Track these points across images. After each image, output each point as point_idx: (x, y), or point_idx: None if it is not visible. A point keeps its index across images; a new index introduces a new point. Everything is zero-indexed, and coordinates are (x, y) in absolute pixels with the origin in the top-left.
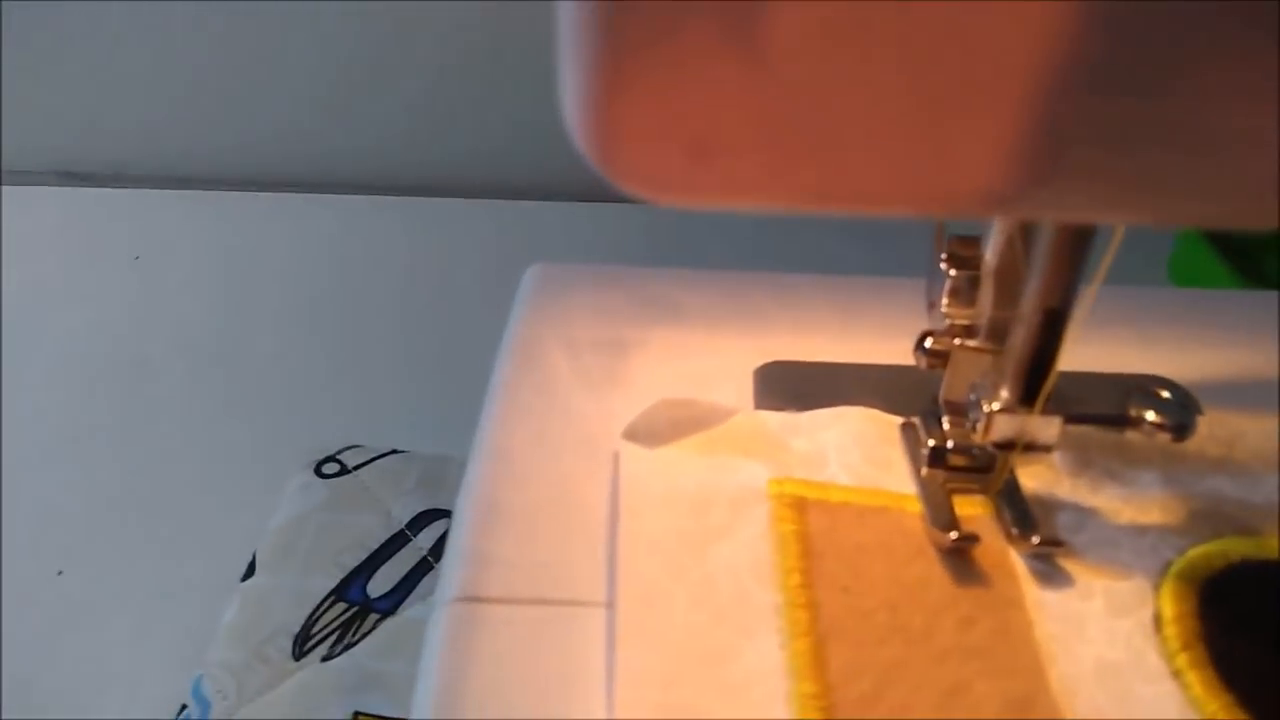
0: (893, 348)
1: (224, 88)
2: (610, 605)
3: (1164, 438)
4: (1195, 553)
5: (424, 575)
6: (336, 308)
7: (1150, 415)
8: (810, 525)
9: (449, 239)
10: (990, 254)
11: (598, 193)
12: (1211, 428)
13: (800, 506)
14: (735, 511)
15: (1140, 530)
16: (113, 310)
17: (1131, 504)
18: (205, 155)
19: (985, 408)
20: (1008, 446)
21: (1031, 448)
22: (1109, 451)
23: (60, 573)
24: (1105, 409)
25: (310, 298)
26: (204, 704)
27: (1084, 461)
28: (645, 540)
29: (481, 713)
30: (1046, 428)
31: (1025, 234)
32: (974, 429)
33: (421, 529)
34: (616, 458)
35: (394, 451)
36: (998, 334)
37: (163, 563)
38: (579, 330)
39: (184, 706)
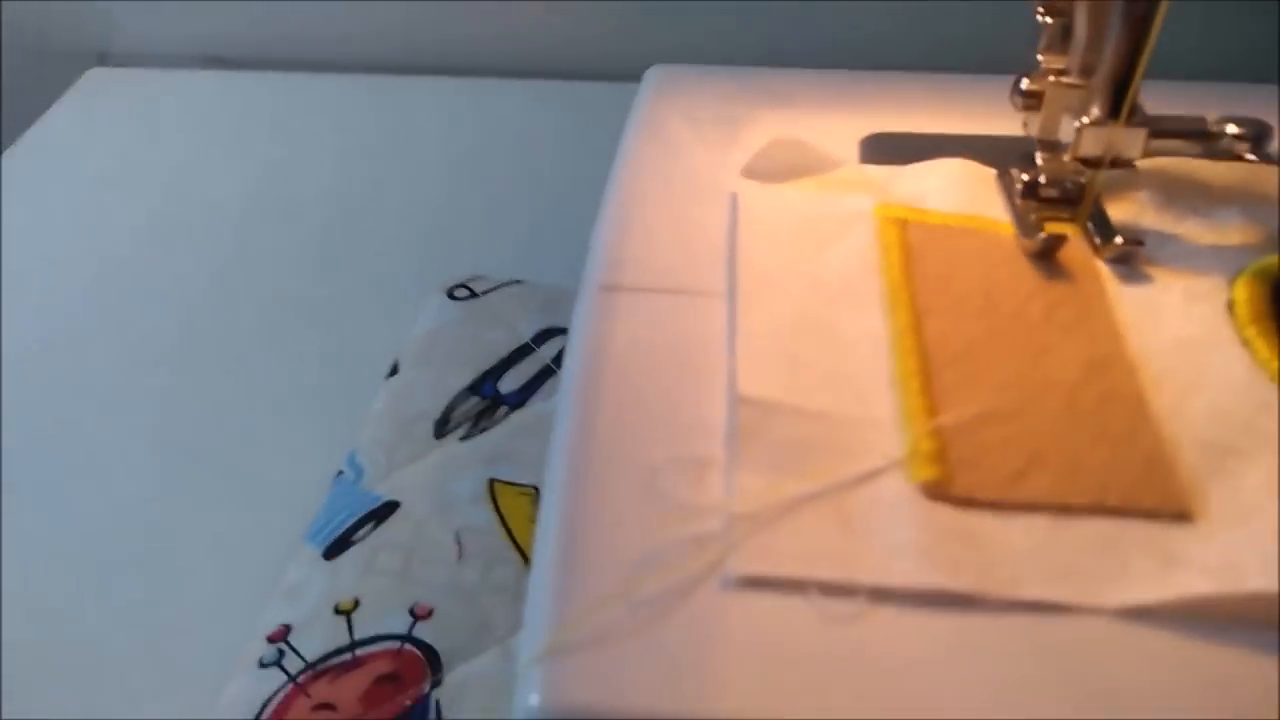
0: (988, 126)
1: None
2: (731, 295)
3: (1244, 148)
4: (1270, 258)
5: (547, 379)
6: (462, 171)
7: (1231, 128)
8: (911, 237)
9: (557, 118)
10: None
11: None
12: None
13: (902, 224)
14: (843, 226)
15: (1218, 247)
16: (261, 174)
17: (1212, 230)
18: (336, 41)
19: (1075, 124)
20: (1096, 163)
21: (1118, 163)
22: (1191, 189)
23: (230, 370)
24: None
25: (439, 163)
26: (358, 470)
27: (1169, 198)
28: (761, 243)
29: (624, 368)
30: (1132, 140)
31: None
32: (1066, 151)
33: (544, 342)
34: (732, 195)
35: (516, 282)
36: (1087, 71)
37: (318, 367)
38: (699, 110)
39: (341, 472)
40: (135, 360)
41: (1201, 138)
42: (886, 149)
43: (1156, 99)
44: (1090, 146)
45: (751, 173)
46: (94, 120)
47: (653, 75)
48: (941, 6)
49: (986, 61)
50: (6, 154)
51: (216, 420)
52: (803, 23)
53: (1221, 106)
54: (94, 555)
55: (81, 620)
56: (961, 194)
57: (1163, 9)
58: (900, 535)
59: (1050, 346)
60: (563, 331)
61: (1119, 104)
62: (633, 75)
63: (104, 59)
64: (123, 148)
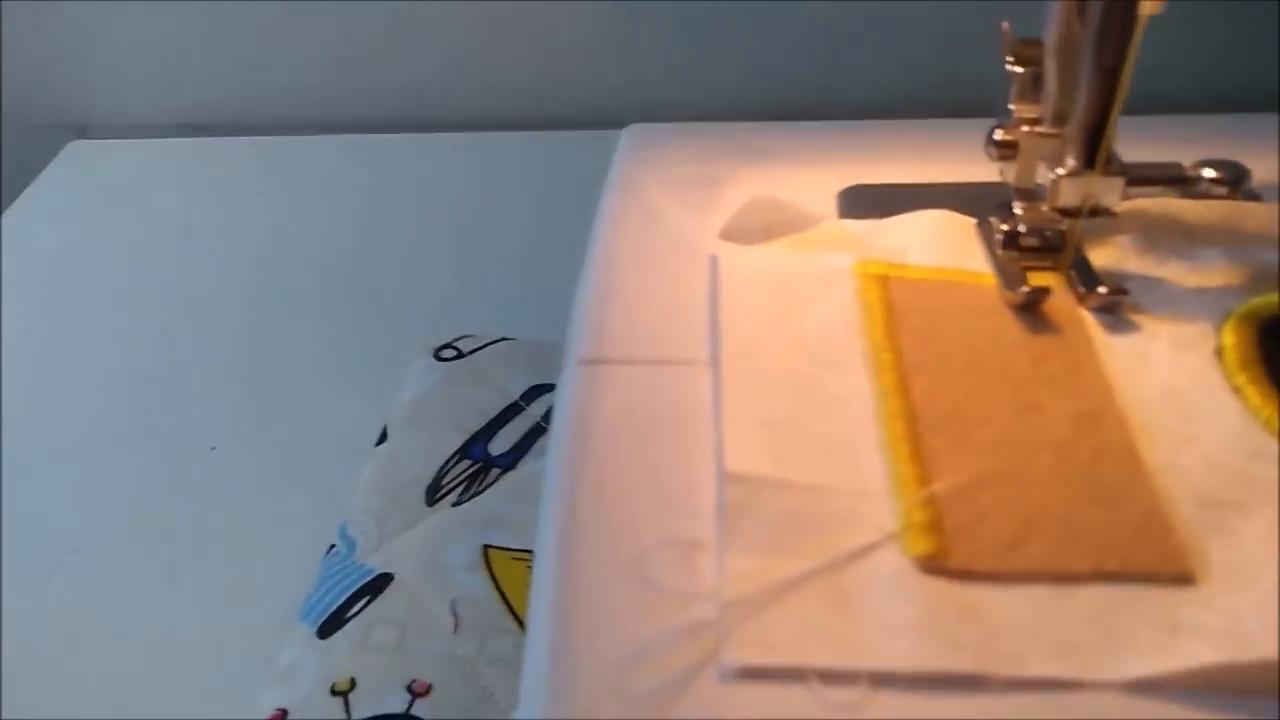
0: (966, 174)
1: (332, 38)
2: (714, 362)
3: (1221, 192)
4: (1256, 301)
5: (538, 437)
6: (443, 229)
7: (1208, 172)
8: (893, 294)
9: (537, 166)
10: (1051, 34)
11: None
12: (1272, 212)
13: (883, 281)
14: (824, 286)
15: (1203, 290)
16: (242, 239)
17: (1196, 272)
18: (313, 104)
19: (1051, 175)
20: (1074, 213)
21: (1097, 211)
22: (1173, 231)
23: (214, 448)
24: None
25: (420, 222)
26: (349, 543)
27: (1150, 242)
28: (743, 308)
29: (609, 442)
30: (1109, 188)
31: (1081, 12)
32: (1043, 200)
33: (533, 400)
34: (712, 258)
35: (503, 339)
36: (1060, 120)
37: (304, 437)
38: (675, 169)
39: (332, 546)
40: (114, 434)
41: (1179, 183)
42: (865, 201)
43: (1134, 136)
44: (1068, 197)
45: (730, 234)
46: (77, 192)
47: (629, 135)
48: (913, 50)
49: (963, 102)
50: None
51: (202, 495)
52: (785, 69)
53: (1202, 139)
54: (81, 639)
55: (69, 706)
56: (942, 246)
57: (1132, 59)
58: (898, 614)
59: (1039, 402)
60: (551, 388)
61: (1094, 153)
62: (613, 123)
63: (84, 131)
64: (106, 218)
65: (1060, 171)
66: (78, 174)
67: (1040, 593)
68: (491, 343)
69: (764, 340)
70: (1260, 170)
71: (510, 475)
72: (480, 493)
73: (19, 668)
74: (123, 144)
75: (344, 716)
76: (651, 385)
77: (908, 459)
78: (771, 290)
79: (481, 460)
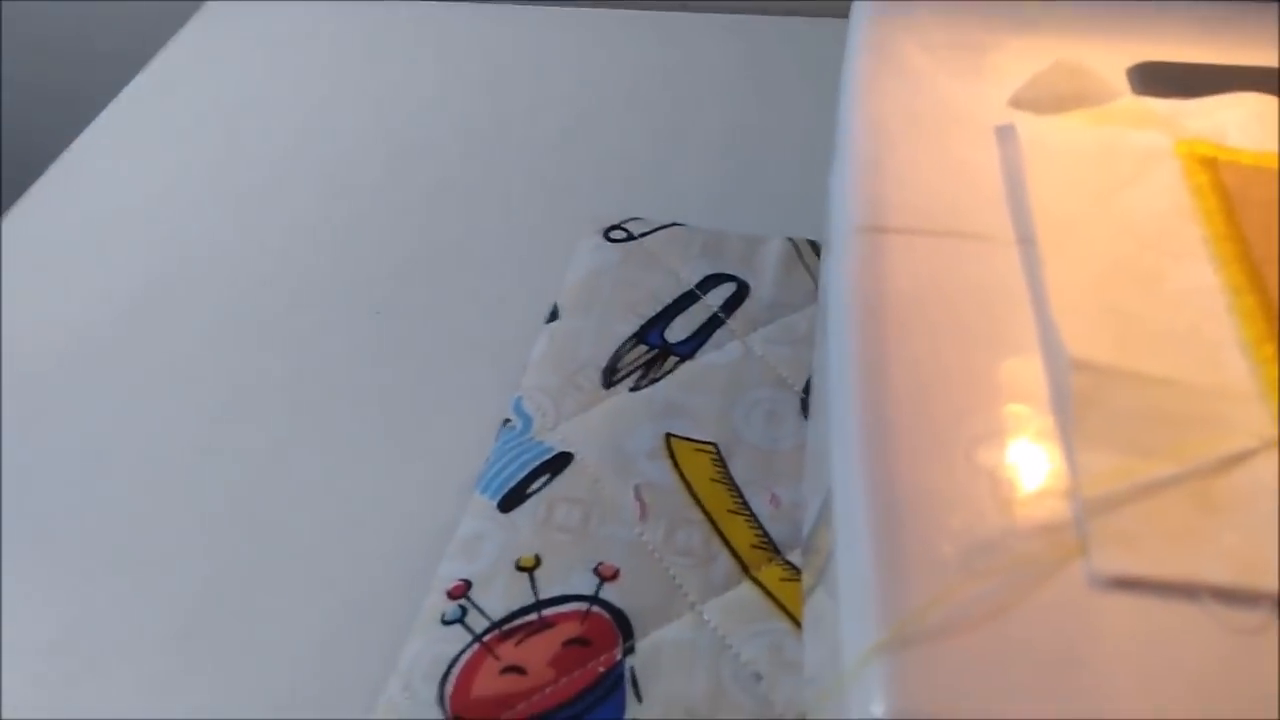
0: (1272, 59)
1: None
2: (1024, 241)
3: None
4: None
5: (716, 328)
6: (613, 108)
7: None
8: (1225, 180)
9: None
10: None
11: None
12: None
13: (1212, 164)
14: (1144, 165)
15: None
16: (396, 109)
17: None
18: None
19: None
20: None
21: None
22: None
23: (379, 312)
24: None
25: (583, 97)
26: (526, 419)
27: None
28: (1053, 183)
29: (907, 321)
30: None
31: None
32: None
33: (710, 289)
34: (1002, 129)
35: (674, 224)
36: None
37: (473, 310)
38: (933, 34)
39: (507, 420)
40: (280, 298)
41: None
42: (1161, 80)
43: None
44: None
45: (1021, 103)
46: (212, 54)
47: (864, 3)
48: None
49: None
50: (128, 89)
51: (370, 366)
52: None
53: None
54: (264, 502)
55: (255, 570)
56: (1267, 131)
57: None
58: None
59: None
60: (728, 279)
61: None
62: (796, 11)
63: None
64: (244, 84)
65: None
66: (214, 37)
67: None
68: (662, 227)
69: (1084, 220)
70: None
71: (689, 365)
72: (658, 380)
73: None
74: (262, 6)
75: (531, 592)
76: (949, 259)
77: (1278, 359)
78: (1084, 166)
79: (659, 346)
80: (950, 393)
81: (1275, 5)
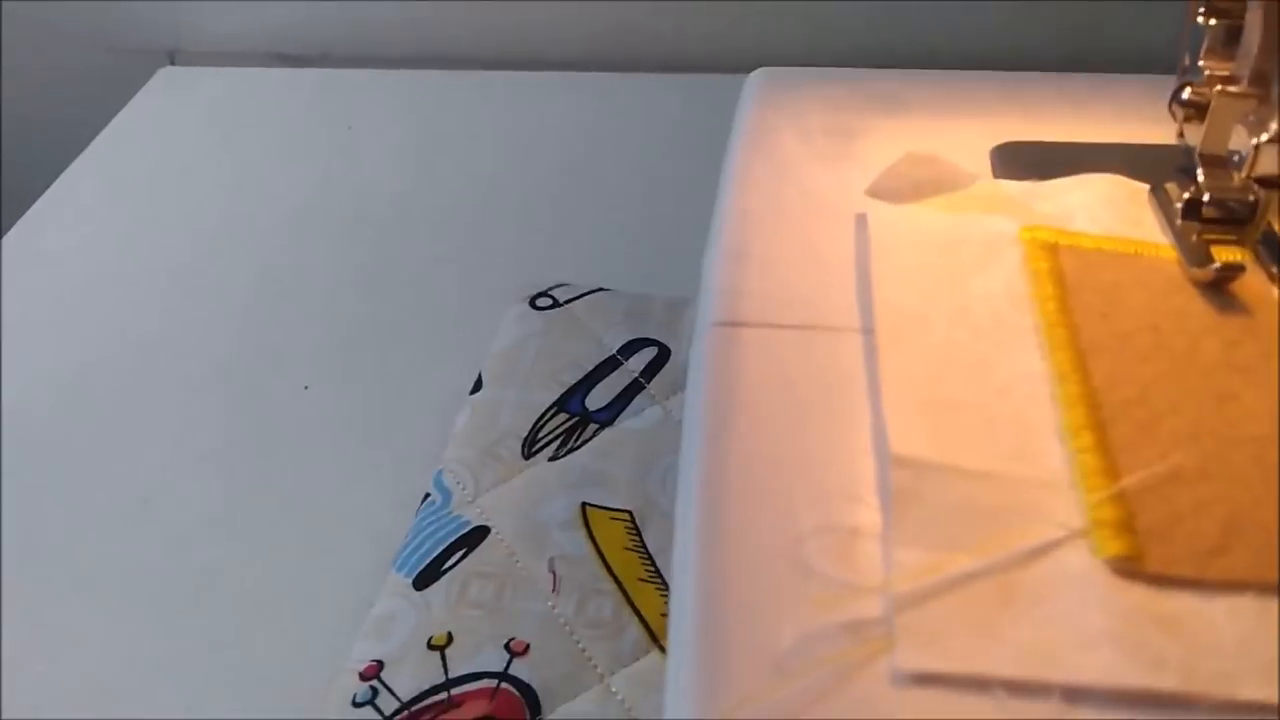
0: (1129, 133)
1: None
2: (866, 331)
3: None
4: None
5: (636, 394)
6: (540, 171)
7: None
8: (1063, 265)
9: (635, 108)
10: None
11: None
12: None
13: (1052, 249)
14: (987, 252)
15: None
16: (332, 175)
17: None
18: (406, 36)
19: (1253, 140)
20: (1274, 184)
21: None
22: None
23: (306, 387)
24: None
25: (512, 162)
26: (445, 493)
27: None
28: (898, 272)
29: (754, 415)
30: None
31: None
32: (1238, 169)
33: (631, 354)
34: (859, 218)
35: (600, 289)
36: (1262, 80)
37: (399, 383)
38: (809, 119)
39: (427, 495)
40: (202, 372)
41: None
42: (1020, 161)
43: None
44: (1269, 165)
45: (878, 191)
46: (166, 119)
47: (756, 80)
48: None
49: (1107, 58)
50: (81, 156)
51: (294, 440)
52: (908, 18)
53: None
54: (165, 584)
55: (156, 650)
56: (1112, 213)
57: None
58: (1089, 621)
59: (1232, 392)
60: (650, 343)
61: None
62: (714, 68)
63: (175, 58)
64: (194, 146)
65: (1263, 137)
66: (168, 101)
67: (1247, 605)
68: (588, 292)
69: (922, 309)
70: None
71: (608, 432)
72: (577, 448)
73: (98, 612)
74: (214, 71)
75: (441, 671)
76: (797, 353)
77: (1092, 448)
78: (928, 254)
79: (579, 414)
80: (784, 489)
81: (1137, 78)
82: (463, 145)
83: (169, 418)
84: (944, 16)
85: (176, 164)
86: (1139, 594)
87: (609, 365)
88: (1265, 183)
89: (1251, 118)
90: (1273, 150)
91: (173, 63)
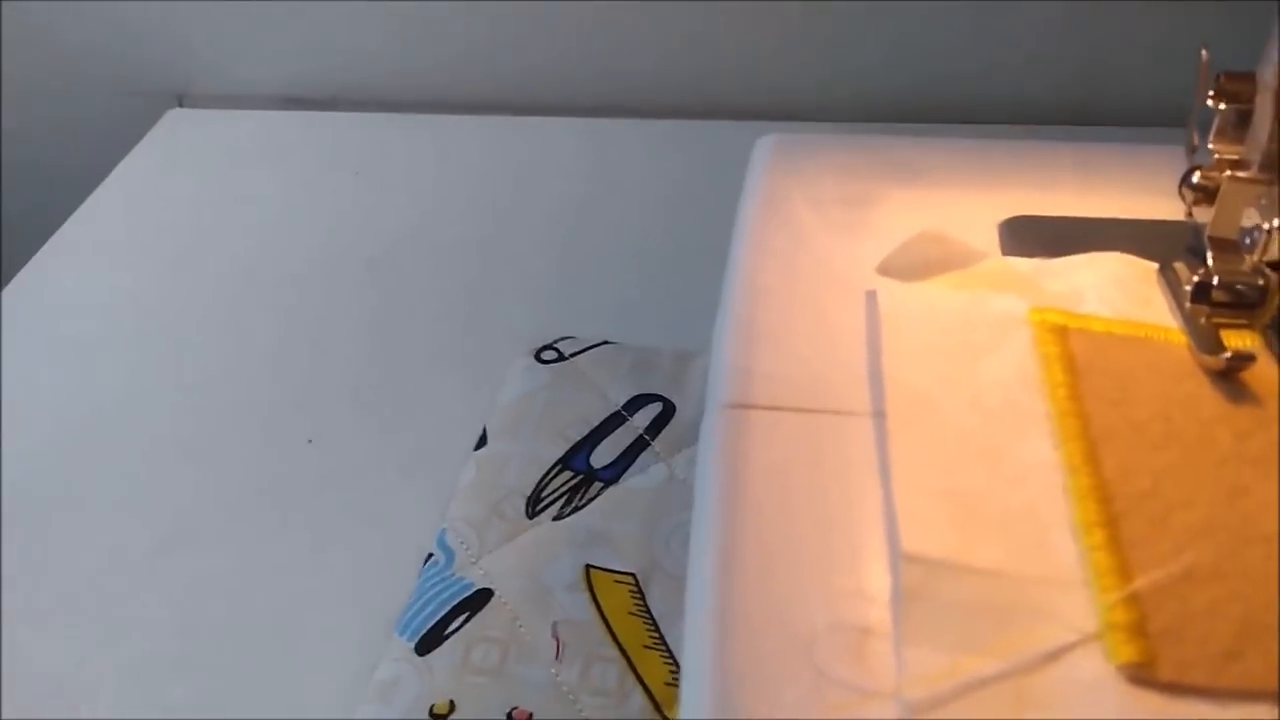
0: (1138, 206)
1: (436, 17)
2: (878, 415)
3: None
4: None
5: (641, 451)
6: (542, 218)
7: None
8: (1074, 348)
9: (648, 155)
10: (1271, 73)
11: (809, 114)
12: None
13: (1061, 332)
14: (997, 333)
15: None
16: (342, 220)
17: None
18: (416, 80)
19: (1265, 225)
20: None
21: None
22: None
23: (310, 441)
24: None
25: (520, 209)
26: (449, 553)
27: None
28: (909, 354)
29: (765, 501)
30: None
31: None
32: (1249, 252)
33: (636, 410)
34: (869, 295)
35: (605, 342)
36: (1272, 165)
37: (404, 436)
38: (822, 188)
39: (430, 555)
40: (203, 422)
41: None
42: (1030, 235)
43: None
44: None
45: (889, 269)
46: (174, 162)
47: (765, 145)
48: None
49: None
50: (90, 198)
51: (297, 496)
52: (915, 68)
53: None
54: (162, 643)
55: (173, 710)
56: (1122, 294)
57: None
58: None
59: (1245, 485)
60: (655, 399)
61: None
62: (723, 115)
63: (183, 100)
64: (202, 190)
65: (1276, 222)
66: (177, 143)
67: (1263, 713)
68: (593, 346)
69: (934, 393)
70: None
71: (613, 490)
72: (582, 507)
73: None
74: (222, 114)
75: None
76: (809, 437)
77: (1105, 545)
78: (938, 335)
79: (584, 472)
80: (797, 584)
81: (1150, 148)
82: (470, 191)
83: (173, 470)
84: (949, 68)
85: (184, 207)
86: (1152, 701)
87: (614, 421)
88: (1277, 267)
89: (1263, 201)
90: None
91: (181, 105)
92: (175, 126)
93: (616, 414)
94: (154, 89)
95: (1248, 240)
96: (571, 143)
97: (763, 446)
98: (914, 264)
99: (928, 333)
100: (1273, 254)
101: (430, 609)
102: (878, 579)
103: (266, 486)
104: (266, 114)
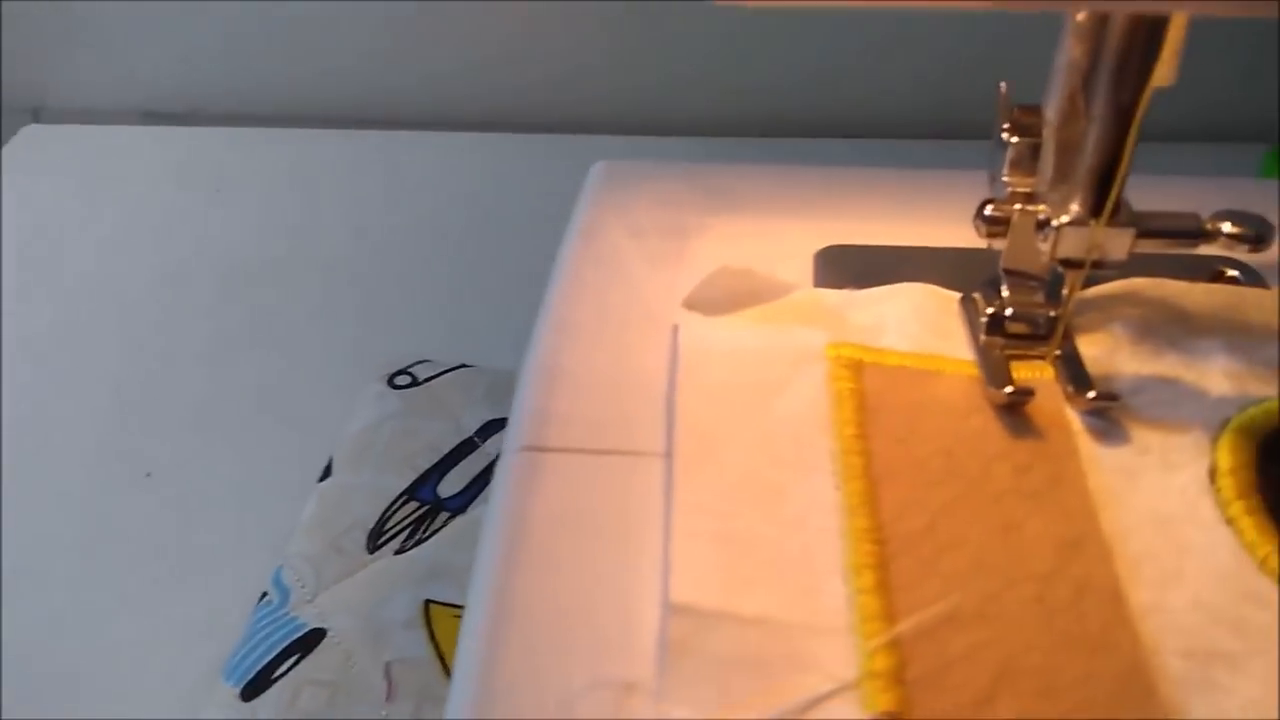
0: (953, 234)
1: (294, 29)
2: (669, 456)
3: (1242, 250)
4: (1256, 410)
5: (491, 478)
6: (397, 237)
7: (1227, 226)
8: (866, 384)
9: (507, 170)
10: (1052, 112)
11: (653, 127)
12: (1273, 300)
13: (856, 367)
14: (792, 370)
15: (1200, 392)
16: (197, 238)
17: (1193, 369)
18: (276, 94)
19: (1054, 222)
20: (1076, 265)
21: (1101, 265)
22: (1171, 318)
23: (149, 474)
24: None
25: (372, 227)
26: (284, 592)
27: (1145, 330)
28: (703, 392)
29: (545, 548)
30: (1118, 240)
31: (1086, 89)
32: (1041, 283)
33: (489, 436)
34: (675, 330)
35: (462, 365)
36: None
37: (246, 467)
38: (643, 217)
39: (264, 594)
40: (43, 448)
41: (1195, 237)
42: (844, 264)
43: (1147, 193)
44: (1070, 247)
45: (694, 303)
46: (29, 178)
47: (595, 174)
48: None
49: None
50: None
51: (132, 531)
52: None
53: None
54: (22, 673)
55: None
56: (922, 325)
57: (1146, 93)
58: None
59: (1018, 522)
60: None
61: (1102, 201)
62: (597, 129)
63: (39, 115)
64: (58, 206)
65: (1064, 219)
66: (32, 159)
67: None
68: (450, 369)
69: (723, 433)
70: None
71: (458, 520)
72: (426, 539)
73: None
74: (79, 129)
75: None
76: (598, 481)
77: (872, 589)
78: (735, 372)
79: (430, 502)
80: (565, 639)
81: (972, 174)
82: (330, 208)
83: (13, 496)
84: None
85: (39, 224)
86: None
87: (466, 447)
88: (1068, 264)
89: (1055, 196)
90: (1073, 232)
91: (37, 120)
92: (31, 142)
93: (469, 440)
94: (9, 104)
95: (1042, 235)
96: (437, 158)
97: (551, 492)
98: (720, 297)
99: (724, 369)
100: (1062, 251)
101: (260, 651)
102: (649, 630)
103: (100, 523)
104: (125, 129)
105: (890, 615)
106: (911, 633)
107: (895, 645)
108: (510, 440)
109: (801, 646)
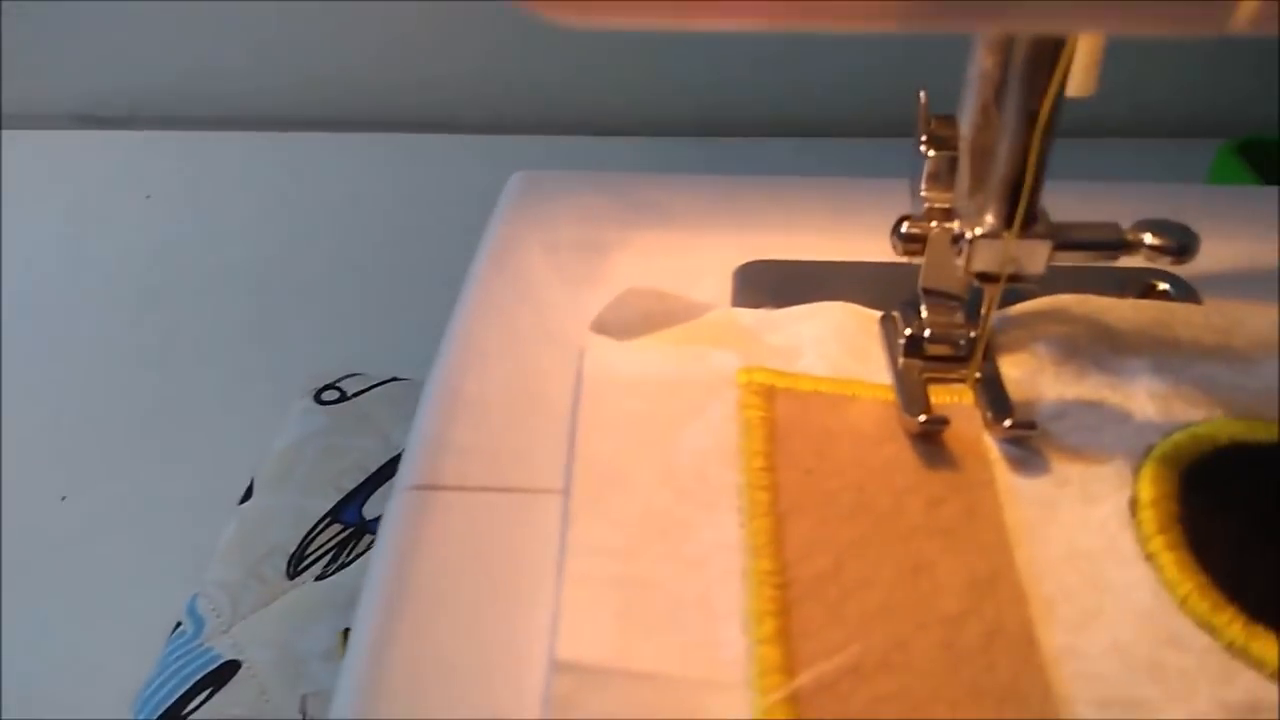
0: (882, 247)
1: (227, 30)
2: (567, 493)
3: (1165, 261)
4: (1181, 436)
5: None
6: (332, 243)
7: (1149, 237)
8: (778, 411)
9: (440, 173)
10: (966, 124)
11: (581, 126)
12: (1208, 315)
13: (768, 394)
14: (702, 397)
15: (1124, 416)
16: (122, 246)
17: (1118, 391)
18: (208, 97)
19: (968, 235)
20: (993, 279)
21: (1019, 279)
22: (1095, 337)
23: (64, 498)
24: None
25: (306, 234)
26: (198, 622)
27: (1069, 351)
28: (605, 424)
29: (427, 595)
30: (1033, 253)
31: (998, 100)
32: (960, 303)
33: None
34: (580, 359)
35: (394, 379)
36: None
37: (165, 486)
38: (560, 232)
39: (178, 625)
40: None
41: (1115, 248)
42: (764, 281)
43: (1066, 201)
44: (985, 260)
45: (603, 327)
46: None
47: (513, 186)
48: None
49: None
50: None
51: (44, 558)
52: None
53: (1144, 210)
54: None
55: None
56: (840, 346)
57: (1048, 105)
58: None
59: (929, 561)
60: None
61: (1014, 212)
62: (545, 129)
63: None
64: None
65: (978, 231)
66: None
67: None
68: (380, 384)
69: (626, 466)
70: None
71: None
72: (349, 564)
73: None
74: (12, 135)
75: None
76: (492, 522)
77: (772, 638)
78: (640, 400)
79: (354, 524)
80: (443, 697)
81: (898, 182)
82: (261, 215)
83: None
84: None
85: None
86: None
87: (394, 465)
88: (984, 278)
89: (971, 208)
90: (987, 245)
91: None
92: None
93: (397, 457)
94: None
95: (957, 248)
96: (376, 161)
97: (440, 534)
98: (631, 319)
99: (629, 398)
100: (976, 265)
101: (172, 684)
102: (533, 688)
103: (10, 548)
104: (59, 134)
105: (790, 667)
106: (811, 686)
107: (793, 700)
108: (401, 476)
109: (695, 703)
